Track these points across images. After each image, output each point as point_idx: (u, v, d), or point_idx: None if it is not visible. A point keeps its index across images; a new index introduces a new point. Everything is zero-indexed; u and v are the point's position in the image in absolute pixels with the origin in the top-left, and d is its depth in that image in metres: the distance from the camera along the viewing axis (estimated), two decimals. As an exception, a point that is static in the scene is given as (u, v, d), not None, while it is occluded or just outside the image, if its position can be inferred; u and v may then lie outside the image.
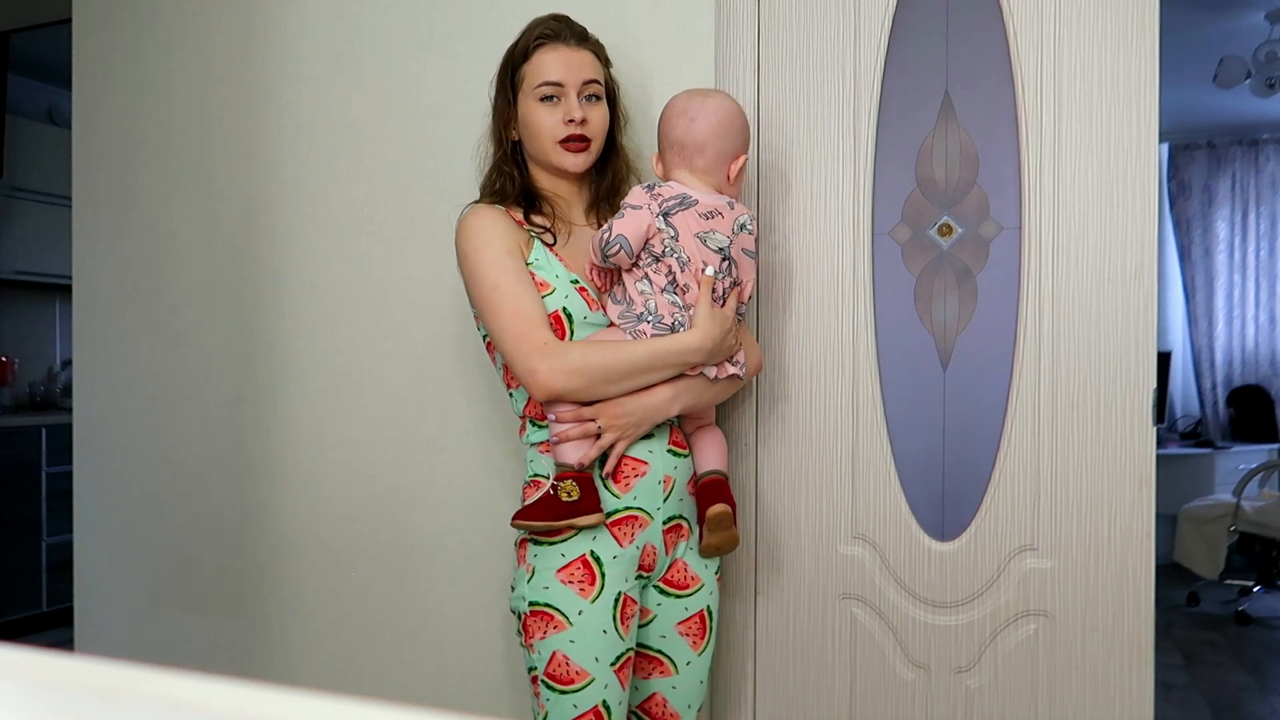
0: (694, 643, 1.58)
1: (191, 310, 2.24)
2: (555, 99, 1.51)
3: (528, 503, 1.49)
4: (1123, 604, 1.65)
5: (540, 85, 1.51)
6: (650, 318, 1.44)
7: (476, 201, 1.57)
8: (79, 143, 2.34)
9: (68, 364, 4.60)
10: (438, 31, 2.02)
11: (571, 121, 1.50)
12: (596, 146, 1.56)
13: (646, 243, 1.44)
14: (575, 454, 1.44)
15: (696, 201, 1.47)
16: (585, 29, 1.58)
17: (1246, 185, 5.72)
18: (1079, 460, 1.66)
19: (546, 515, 1.42)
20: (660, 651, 1.57)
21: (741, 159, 1.54)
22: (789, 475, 1.82)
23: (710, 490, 1.54)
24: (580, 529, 1.44)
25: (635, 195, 1.47)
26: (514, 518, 1.45)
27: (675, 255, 1.44)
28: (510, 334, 1.44)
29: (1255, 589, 4.55)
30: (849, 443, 1.78)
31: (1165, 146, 5.77)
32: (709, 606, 1.59)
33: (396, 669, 2.07)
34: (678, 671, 1.57)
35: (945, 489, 1.75)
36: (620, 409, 1.44)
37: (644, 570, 1.52)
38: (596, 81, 1.54)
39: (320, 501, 2.12)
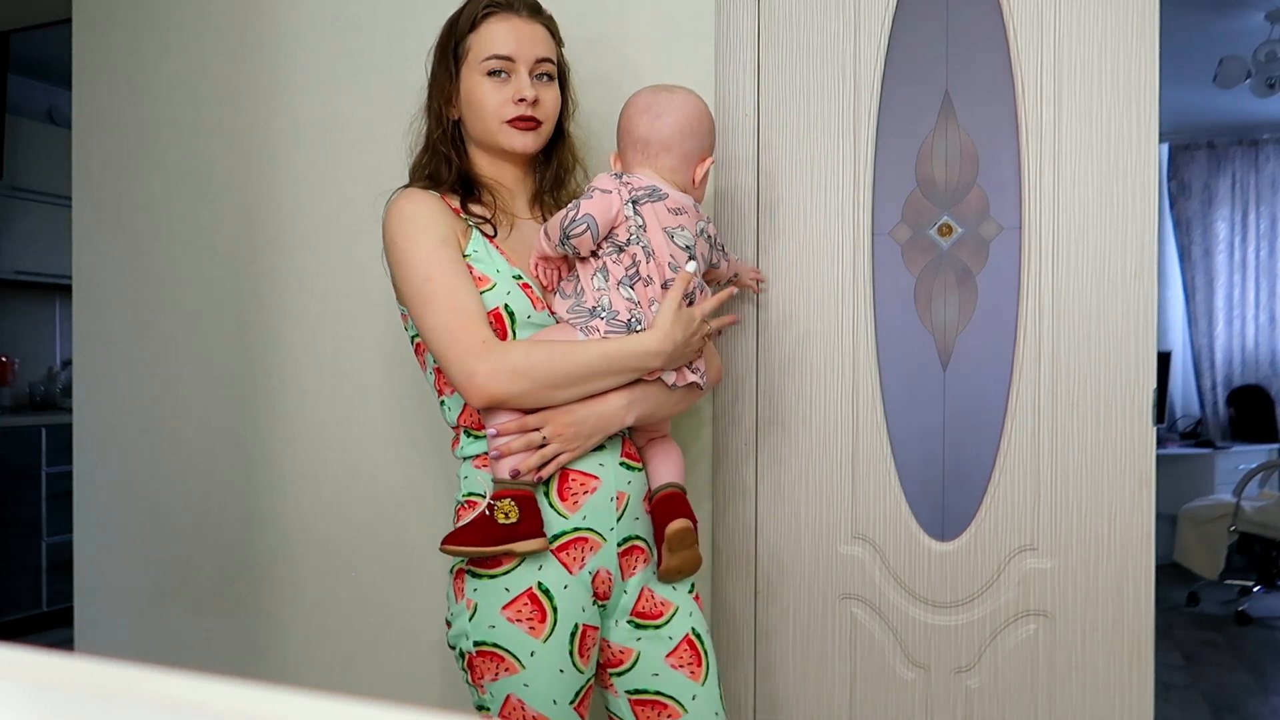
0: (691, 673, 1.39)
1: (191, 310, 2.24)
2: (504, 75, 1.36)
3: (460, 524, 1.30)
4: (1123, 604, 1.65)
5: (488, 58, 1.36)
6: (604, 314, 1.30)
7: (407, 185, 1.42)
8: (79, 143, 2.34)
9: (68, 364, 4.60)
10: (434, 30, 2.01)
11: (522, 101, 1.36)
12: (547, 129, 1.41)
13: (611, 230, 1.32)
14: (503, 468, 1.29)
15: (667, 195, 1.36)
16: (539, 1, 1.43)
17: (1246, 185, 5.72)
18: (1079, 460, 1.66)
19: (481, 540, 1.26)
20: (659, 693, 1.38)
21: (708, 161, 1.43)
22: (789, 475, 1.82)
23: (668, 505, 1.38)
24: (521, 556, 1.28)
25: (603, 180, 1.34)
26: (443, 542, 1.27)
27: (641, 244, 1.32)
28: (445, 331, 1.28)
29: (1255, 589, 4.55)
30: (849, 443, 1.78)
31: (1165, 146, 5.77)
32: (694, 629, 1.40)
33: (396, 669, 2.07)
34: (687, 711, 1.38)
35: (945, 489, 1.75)
36: (569, 416, 1.29)
37: (598, 598, 1.35)
38: (550, 60, 1.40)
39: (320, 502, 2.12)
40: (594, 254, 1.33)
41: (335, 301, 2.10)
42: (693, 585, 1.45)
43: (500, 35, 1.37)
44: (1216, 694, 3.41)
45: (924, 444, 1.76)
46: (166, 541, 2.27)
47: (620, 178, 1.35)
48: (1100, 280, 1.65)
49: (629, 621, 1.38)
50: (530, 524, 1.27)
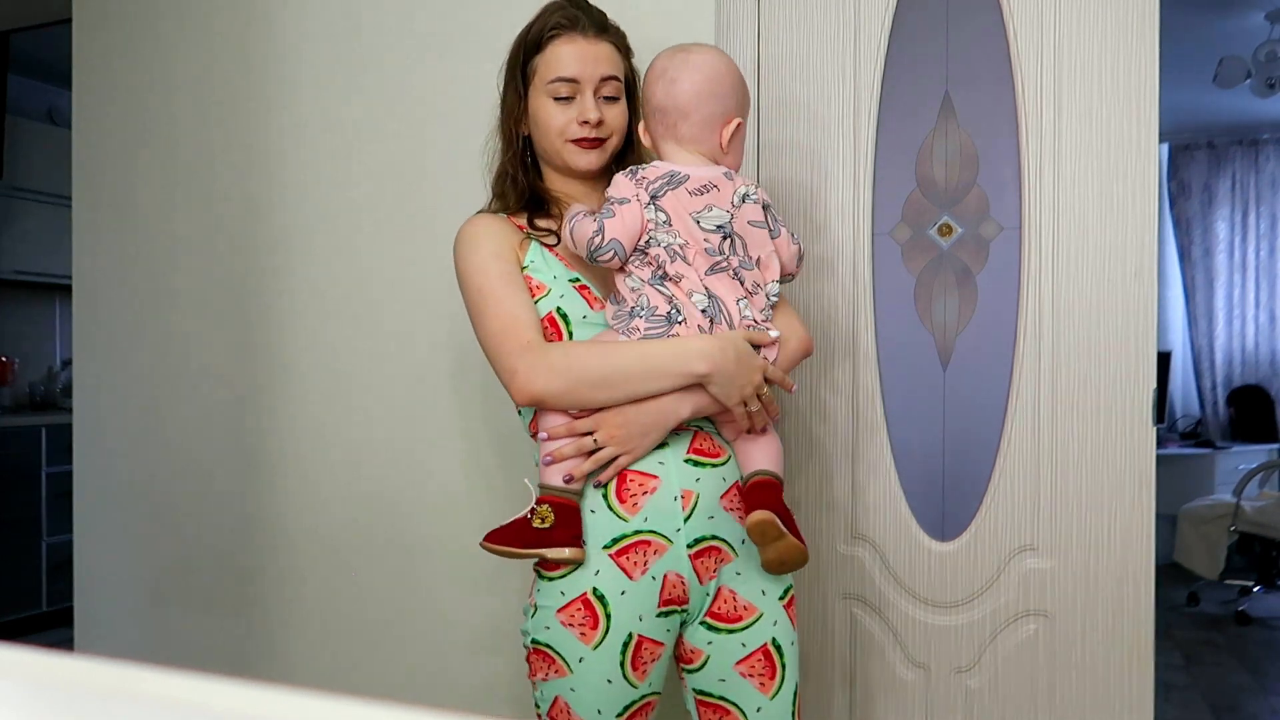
0: (761, 684, 1.33)
1: (191, 310, 2.24)
2: (570, 97, 1.38)
3: (502, 524, 1.31)
4: (1123, 604, 1.65)
5: (554, 81, 1.37)
6: (643, 312, 1.28)
7: (480, 210, 1.46)
8: (79, 143, 2.34)
9: (68, 364, 4.60)
10: (438, 32, 2.02)
11: (586, 123, 1.37)
12: (612, 145, 1.42)
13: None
14: (560, 472, 1.27)
15: (687, 177, 1.31)
16: (605, 16, 1.43)
17: (1246, 185, 5.72)
18: (1079, 460, 1.66)
19: (513, 540, 1.27)
20: (723, 698, 1.34)
21: (735, 121, 1.35)
22: (789, 475, 1.82)
23: (752, 495, 1.31)
24: (573, 563, 1.27)
25: (619, 185, 1.31)
26: (484, 538, 1.30)
27: (664, 245, 1.28)
28: (493, 334, 1.31)
29: (1255, 589, 4.55)
30: (849, 443, 1.78)
31: (1165, 146, 5.77)
32: (775, 639, 1.34)
33: (396, 669, 2.07)
34: None
35: (945, 489, 1.75)
36: (620, 417, 1.26)
37: (674, 604, 1.31)
38: (615, 78, 1.40)
39: (320, 501, 2.12)
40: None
41: (336, 301, 2.10)
42: (787, 591, 1.37)
43: (565, 58, 1.38)
44: (1216, 694, 3.41)
45: (924, 444, 1.76)
46: (166, 541, 2.27)
47: (635, 174, 1.31)
48: (1100, 280, 1.65)
49: (703, 622, 1.34)
50: (563, 532, 1.26)
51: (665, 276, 1.28)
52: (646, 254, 1.29)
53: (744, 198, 1.32)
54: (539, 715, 1.33)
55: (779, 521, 1.26)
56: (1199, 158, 5.79)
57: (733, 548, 1.33)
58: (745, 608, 1.34)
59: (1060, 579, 1.68)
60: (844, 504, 1.79)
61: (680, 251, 1.28)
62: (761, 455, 1.34)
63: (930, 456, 1.75)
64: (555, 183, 1.45)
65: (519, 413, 1.42)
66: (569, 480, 1.27)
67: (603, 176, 1.44)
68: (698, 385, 1.27)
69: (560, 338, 1.32)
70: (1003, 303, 1.71)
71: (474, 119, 1.98)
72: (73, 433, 2.37)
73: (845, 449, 1.79)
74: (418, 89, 2.03)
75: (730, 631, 1.34)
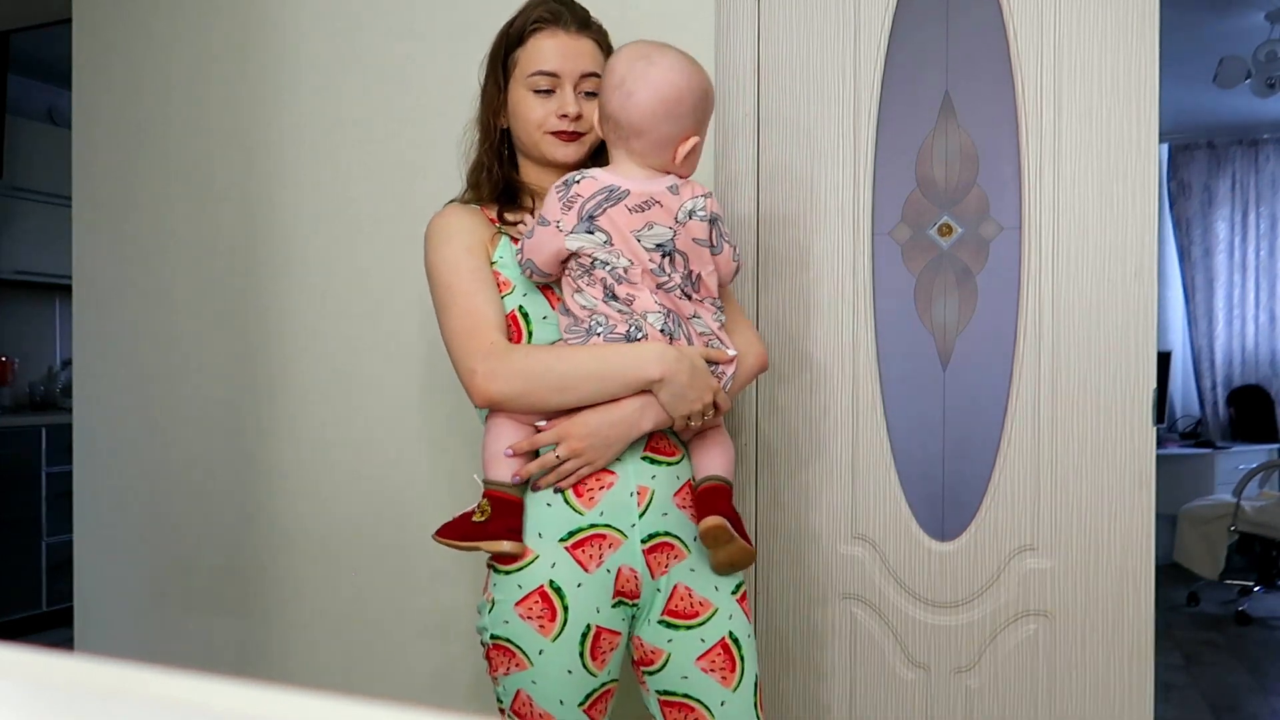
0: (723, 678, 1.34)
1: (191, 310, 2.24)
2: (550, 90, 1.37)
3: (450, 520, 1.34)
4: (1123, 604, 1.65)
5: (534, 74, 1.37)
6: (601, 329, 1.25)
7: (453, 200, 1.46)
8: (79, 143, 2.34)
9: (68, 364, 4.60)
10: (438, 30, 2.02)
11: (565, 116, 1.37)
12: (590, 139, 1.40)
13: (571, 256, 1.26)
14: (502, 469, 1.29)
15: (627, 193, 1.25)
16: (588, 13, 1.44)
17: (1246, 185, 5.72)
18: (1079, 460, 1.66)
19: (456, 534, 1.30)
20: (687, 696, 1.35)
21: (692, 141, 1.28)
22: (789, 475, 1.82)
23: (704, 500, 1.33)
24: (512, 556, 1.29)
25: (549, 204, 1.28)
26: (436, 531, 1.32)
27: (609, 267, 1.24)
28: (455, 333, 1.30)
29: (1255, 589, 4.56)
30: (849, 443, 1.78)
31: (1165, 146, 5.77)
32: (732, 633, 1.36)
33: (396, 669, 2.07)
34: (714, 716, 1.34)
35: (945, 489, 1.75)
36: (584, 429, 1.26)
37: (626, 597, 1.32)
38: (595, 74, 1.39)
39: (320, 501, 2.12)
40: (564, 274, 1.29)
41: (336, 302, 2.10)
42: (738, 587, 1.38)
43: (547, 51, 1.38)
44: (1216, 694, 3.41)
45: (924, 444, 1.76)
46: (166, 541, 2.27)
47: (567, 193, 1.27)
48: (1100, 280, 1.65)
49: (661, 620, 1.35)
50: (498, 525, 1.27)
51: (615, 297, 1.26)
52: (592, 274, 1.26)
53: (690, 213, 1.28)
54: (502, 711, 1.33)
55: (729, 526, 1.29)
56: (1199, 158, 5.79)
57: (685, 545, 1.35)
58: (701, 603, 1.35)
59: (1060, 579, 1.68)
60: (844, 504, 1.79)
61: (624, 274, 1.25)
62: (713, 460, 1.36)
63: (930, 456, 1.75)
64: (531, 175, 1.45)
65: (478, 410, 1.41)
66: (536, 489, 1.29)
67: (582, 167, 1.43)
68: (654, 402, 1.27)
69: (520, 336, 1.32)
70: (1003, 303, 1.71)
71: (476, 118, 1.98)
72: (73, 433, 2.37)
73: (845, 449, 1.79)
74: (416, 88, 2.03)
75: (689, 628, 1.35)
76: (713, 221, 1.31)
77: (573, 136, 1.39)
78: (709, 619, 1.35)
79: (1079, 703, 1.67)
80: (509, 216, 1.40)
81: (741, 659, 1.36)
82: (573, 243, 1.25)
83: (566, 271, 1.28)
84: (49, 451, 4.18)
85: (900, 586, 1.76)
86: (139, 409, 2.29)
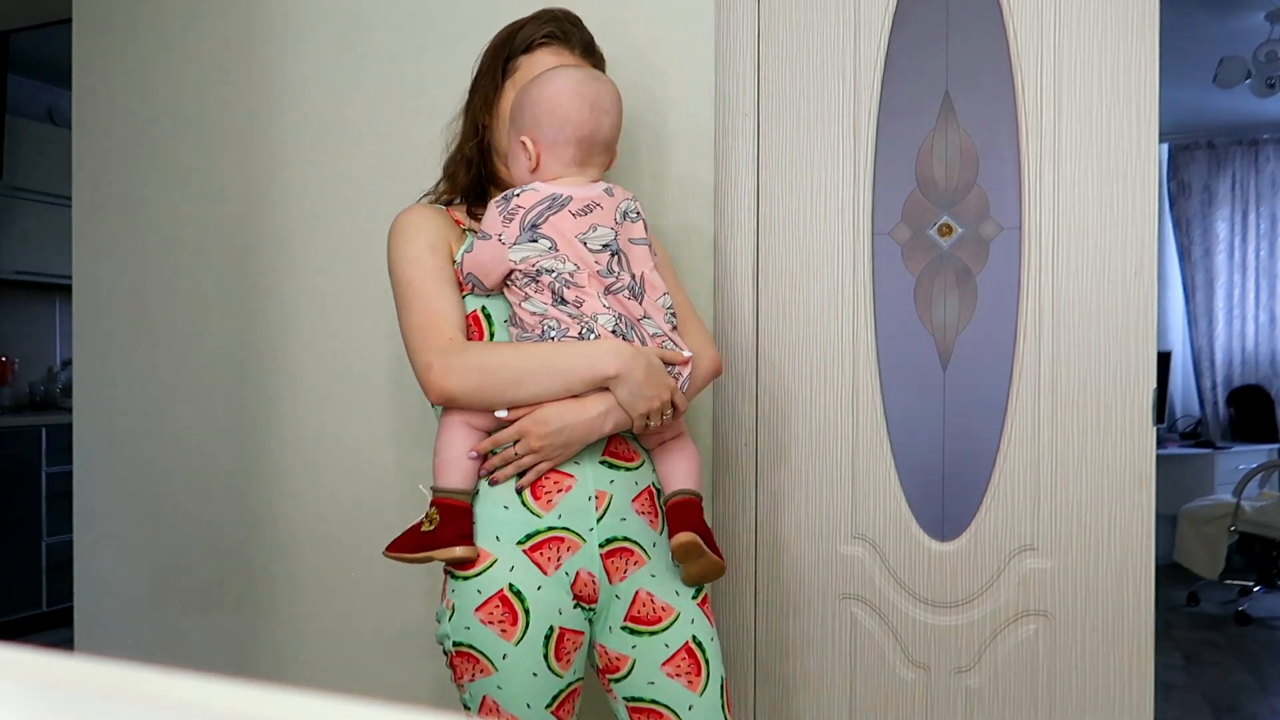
0: (689, 682, 1.35)
1: (191, 310, 2.24)
2: None
3: (401, 532, 1.33)
4: (1123, 604, 1.65)
5: None
6: (554, 333, 1.27)
7: (422, 197, 1.48)
8: (79, 143, 2.34)
9: (68, 364, 4.60)
10: (439, 31, 2.02)
11: None
12: None
13: (512, 271, 1.28)
14: (452, 475, 1.29)
15: (570, 199, 1.29)
16: (593, 40, 1.47)
17: (1246, 185, 5.72)
18: (1079, 460, 1.66)
19: (406, 546, 1.29)
20: (655, 701, 1.35)
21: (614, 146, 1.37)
22: (789, 475, 1.82)
23: (676, 514, 1.34)
24: (465, 561, 1.28)
25: (488, 217, 1.30)
26: (385, 549, 1.31)
27: (554, 273, 1.26)
28: (415, 328, 1.31)
29: (1255, 589, 4.56)
30: (849, 443, 1.78)
31: (1165, 146, 5.78)
32: (695, 637, 1.36)
33: (396, 669, 2.07)
34: None
35: (945, 489, 1.75)
36: (547, 427, 1.26)
37: (582, 601, 1.32)
38: None
39: (320, 502, 2.12)
40: (508, 285, 1.30)
41: (335, 302, 2.10)
42: (699, 591, 1.40)
43: (552, 65, 1.39)
44: (1216, 694, 3.41)
45: (924, 444, 1.76)
46: (166, 541, 2.27)
47: (506, 206, 1.29)
48: (1100, 280, 1.65)
49: (624, 627, 1.35)
50: (448, 531, 1.27)
51: (565, 301, 1.27)
52: (539, 281, 1.27)
53: (625, 214, 1.33)
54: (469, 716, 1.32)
55: (701, 542, 1.31)
56: (1199, 158, 5.79)
57: (645, 550, 1.36)
58: (663, 609, 1.36)
59: (1060, 579, 1.68)
60: (844, 504, 1.79)
61: (571, 278, 1.27)
62: (680, 471, 1.38)
63: (930, 456, 1.75)
64: (504, 174, 1.46)
65: (434, 408, 1.41)
66: (494, 483, 1.30)
67: None
68: (617, 405, 1.28)
69: (481, 336, 1.33)
70: (1003, 303, 1.71)
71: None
72: (73, 433, 2.37)
73: (845, 449, 1.79)
74: (416, 88, 2.03)
75: (652, 634, 1.35)
76: (642, 216, 1.36)
77: None
78: (671, 624, 1.36)
79: (1079, 703, 1.67)
80: (478, 212, 1.41)
81: (706, 662, 1.37)
82: (516, 254, 1.27)
83: (510, 282, 1.30)
84: (49, 451, 4.18)
85: (900, 586, 1.76)
86: (139, 409, 2.29)
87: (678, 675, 1.35)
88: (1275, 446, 5.57)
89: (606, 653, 1.37)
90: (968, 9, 1.72)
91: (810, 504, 1.81)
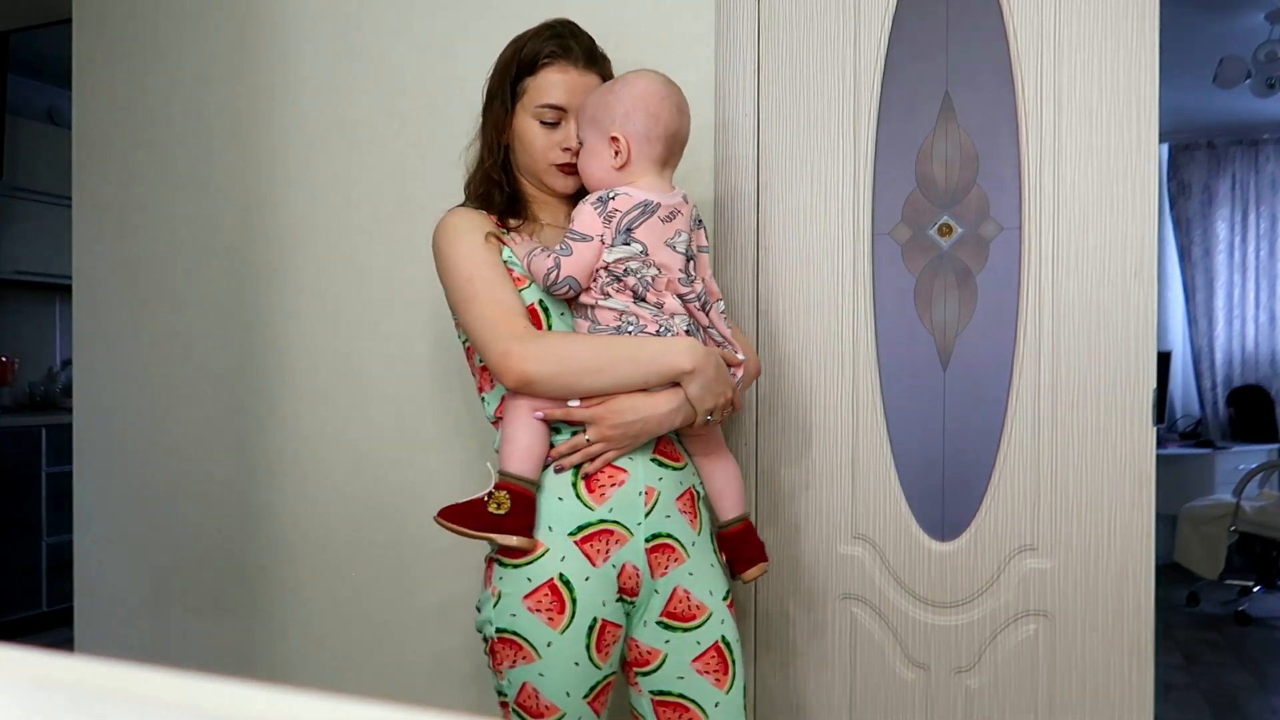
0: (716, 680, 1.40)
1: (191, 310, 2.24)
2: (555, 122, 1.44)
3: (457, 502, 1.33)
4: (1123, 604, 1.65)
5: (542, 106, 1.43)
6: (632, 329, 1.31)
7: (460, 205, 1.50)
8: (79, 143, 2.34)
9: (68, 364, 4.60)
10: (437, 31, 2.02)
11: (568, 150, 1.44)
12: None
13: (604, 267, 1.32)
14: (524, 462, 1.31)
15: (659, 205, 1.33)
16: (593, 44, 1.49)
17: (1246, 185, 5.72)
18: (1079, 460, 1.66)
19: (468, 521, 1.29)
20: (683, 696, 1.39)
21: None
22: (789, 475, 1.82)
23: (741, 541, 1.45)
24: (521, 552, 1.31)
25: (586, 219, 1.33)
26: (438, 513, 1.31)
27: (639, 276, 1.31)
28: (485, 320, 1.33)
29: (1255, 589, 4.55)
30: (849, 443, 1.78)
31: (1165, 146, 5.77)
32: (724, 637, 1.41)
33: (396, 669, 2.07)
34: (707, 717, 1.39)
35: (945, 489, 1.75)
36: (620, 418, 1.30)
37: (625, 594, 1.36)
38: None
39: (320, 501, 2.12)
40: (590, 287, 1.34)
41: (335, 302, 2.10)
42: (728, 593, 1.45)
43: (556, 86, 1.43)
44: (1216, 694, 3.41)
45: (924, 444, 1.76)
46: (166, 541, 2.27)
47: (603, 206, 1.32)
48: (1100, 280, 1.65)
49: (659, 622, 1.39)
50: (517, 520, 1.29)
51: (644, 300, 1.32)
52: (622, 281, 1.31)
53: (696, 221, 1.40)
54: (505, 705, 1.35)
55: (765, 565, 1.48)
56: (1199, 158, 5.79)
57: (685, 549, 1.40)
58: (698, 607, 1.40)
59: (1060, 579, 1.68)
60: (844, 504, 1.79)
61: (651, 283, 1.32)
62: (734, 493, 1.47)
63: (930, 456, 1.75)
64: (529, 189, 1.51)
65: (482, 400, 1.45)
66: (559, 470, 1.33)
67: (575, 195, 1.50)
68: (685, 402, 1.33)
69: (540, 328, 1.36)
70: (1003, 303, 1.71)
71: (473, 119, 1.98)
72: (73, 433, 2.37)
73: (845, 449, 1.79)
74: (417, 89, 2.03)
75: (685, 630, 1.39)
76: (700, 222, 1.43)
77: (573, 168, 1.45)
78: (704, 622, 1.40)
79: (1079, 703, 1.67)
80: (512, 222, 1.46)
81: (733, 662, 1.42)
82: (612, 254, 1.31)
83: (592, 281, 1.33)
84: (49, 451, 4.18)
85: (900, 586, 1.76)
86: (139, 409, 2.29)
87: (707, 672, 1.40)
88: (1275, 446, 5.57)
89: (638, 646, 1.40)
90: (968, 9, 1.72)
91: (810, 504, 1.81)
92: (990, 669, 1.72)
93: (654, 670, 1.40)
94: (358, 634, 2.10)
